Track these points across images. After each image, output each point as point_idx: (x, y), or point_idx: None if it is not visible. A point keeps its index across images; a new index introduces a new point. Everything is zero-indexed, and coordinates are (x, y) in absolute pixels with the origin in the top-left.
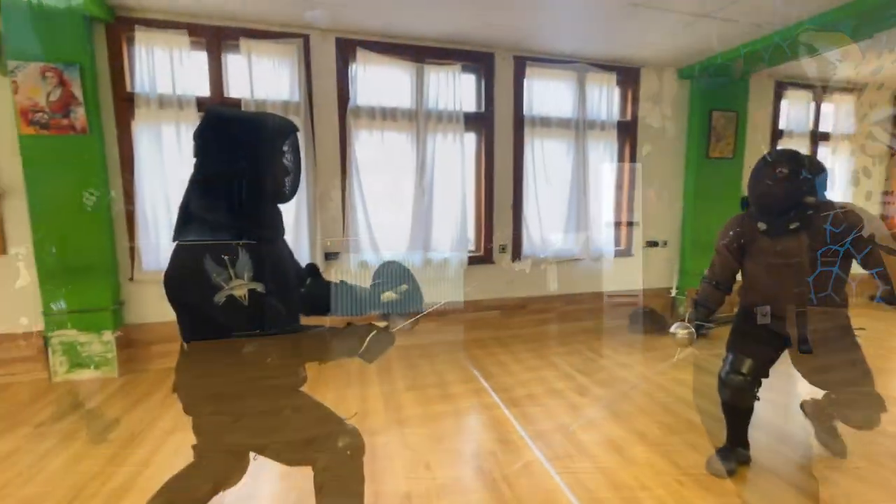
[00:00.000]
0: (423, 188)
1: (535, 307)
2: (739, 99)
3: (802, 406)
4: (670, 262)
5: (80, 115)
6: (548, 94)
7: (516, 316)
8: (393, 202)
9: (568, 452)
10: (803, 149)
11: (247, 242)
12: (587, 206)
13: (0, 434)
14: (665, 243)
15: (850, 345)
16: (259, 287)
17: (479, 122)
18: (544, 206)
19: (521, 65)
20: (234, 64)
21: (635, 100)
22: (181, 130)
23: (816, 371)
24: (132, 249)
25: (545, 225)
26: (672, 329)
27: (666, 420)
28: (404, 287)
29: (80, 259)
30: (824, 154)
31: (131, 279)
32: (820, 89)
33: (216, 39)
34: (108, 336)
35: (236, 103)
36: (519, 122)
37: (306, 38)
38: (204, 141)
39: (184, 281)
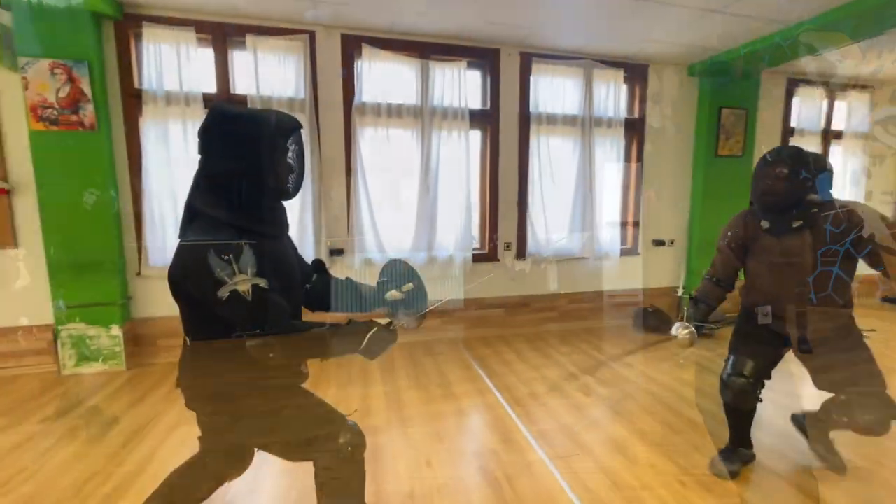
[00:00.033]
0: (428, 185)
1: (538, 305)
2: (749, 96)
3: (793, 419)
4: (677, 261)
5: (88, 111)
6: (554, 90)
7: (520, 314)
8: (397, 199)
9: (570, 452)
10: (814, 147)
11: (250, 240)
12: (593, 204)
13: (5, 428)
14: (672, 242)
15: (856, 345)
16: (262, 282)
17: (485, 119)
18: (550, 204)
19: (526, 61)
20: (239, 60)
21: (643, 97)
22: (188, 127)
23: (824, 372)
24: (139, 245)
25: (550, 223)
26: (673, 331)
27: (668, 420)
28: (409, 286)
29: (89, 254)
30: (836, 153)
31: (139, 274)
32: (832, 87)
33: (222, 36)
34: (116, 330)
35: (242, 100)
36: (525, 119)
37: (312, 35)
38: (208, 138)
39: (187, 276)
